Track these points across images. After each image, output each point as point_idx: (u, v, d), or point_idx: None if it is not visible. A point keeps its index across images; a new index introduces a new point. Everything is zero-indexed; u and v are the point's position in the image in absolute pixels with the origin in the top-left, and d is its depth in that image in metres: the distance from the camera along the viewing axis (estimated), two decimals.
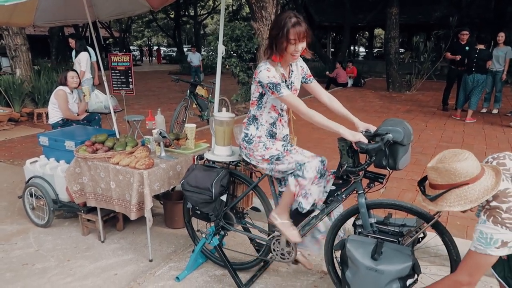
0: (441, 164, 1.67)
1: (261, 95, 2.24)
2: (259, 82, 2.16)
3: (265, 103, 2.26)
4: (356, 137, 2.01)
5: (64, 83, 4.62)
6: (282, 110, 2.30)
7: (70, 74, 4.66)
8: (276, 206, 2.41)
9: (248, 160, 2.38)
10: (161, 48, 40.25)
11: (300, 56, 2.21)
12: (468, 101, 7.64)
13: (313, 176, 2.13)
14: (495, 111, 8.30)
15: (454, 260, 2.01)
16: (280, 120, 2.32)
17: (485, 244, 1.57)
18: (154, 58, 35.34)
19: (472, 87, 7.49)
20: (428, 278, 2.53)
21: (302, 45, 2.10)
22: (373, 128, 2.14)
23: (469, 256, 1.64)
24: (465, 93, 7.66)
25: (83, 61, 6.84)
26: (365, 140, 2.00)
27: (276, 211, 2.36)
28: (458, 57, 8.13)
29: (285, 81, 2.23)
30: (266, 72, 2.12)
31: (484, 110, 8.35)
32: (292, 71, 2.29)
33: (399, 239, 2.03)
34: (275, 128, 2.31)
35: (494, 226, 1.54)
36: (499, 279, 1.84)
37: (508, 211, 1.54)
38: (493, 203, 1.59)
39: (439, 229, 2.02)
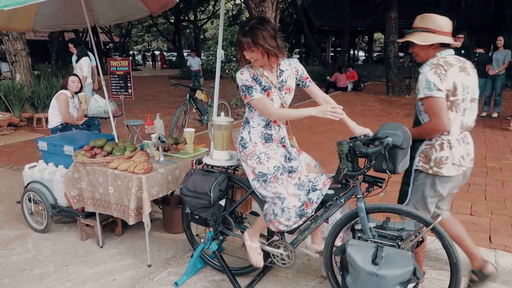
0: (428, 14, 2.28)
1: None
2: (238, 85, 2.23)
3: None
4: (326, 112, 2.04)
5: (66, 87, 4.67)
6: None
7: (72, 78, 4.71)
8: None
9: (242, 166, 2.38)
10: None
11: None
12: None
13: (286, 218, 2.19)
14: (495, 114, 8.30)
15: (454, 263, 2.00)
16: (275, 121, 2.29)
17: (430, 89, 2.09)
18: (158, 63, 35.10)
19: None
20: (429, 283, 2.52)
21: (249, 55, 2.13)
22: (370, 133, 2.14)
23: (427, 103, 2.13)
24: None
25: (84, 66, 6.87)
26: (337, 111, 2.05)
27: (248, 232, 2.47)
28: None
29: (271, 82, 2.21)
30: (240, 75, 2.19)
31: (484, 114, 8.34)
32: (281, 70, 2.26)
33: (399, 243, 2.02)
34: (270, 129, 2.29)
35: (434, 75, 2.09)
36: None
37: (445, 64, 2.13)
38: (440, 61, 2.15)
39: (439, 233, 2.00)
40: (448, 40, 2.19)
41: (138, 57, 39.89)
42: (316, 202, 2.21)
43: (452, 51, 2.24)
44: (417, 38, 2.19)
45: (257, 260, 2.43)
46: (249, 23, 2.10)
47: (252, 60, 2.15)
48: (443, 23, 2.21)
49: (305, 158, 2.40)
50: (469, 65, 2.26)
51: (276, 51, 2.12)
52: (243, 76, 2.17)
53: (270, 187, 2.21)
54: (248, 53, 2.12)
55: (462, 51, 8.03)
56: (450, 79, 2.10)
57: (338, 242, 2.33)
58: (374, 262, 1.87)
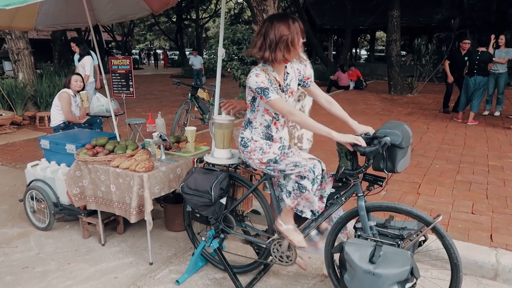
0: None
1: (254, 99, 2.25)
2: (249, 87, 2.17)
3: (258, 106, 2.26)
4: (347, 139, 2.02)
5: (68, 86, 4.69)
6: (276, 113, 2.27)
7: (74, 77, 4.74)
8: (277, 211, 2.43)
9: (250, 165, 2.39)
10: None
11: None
12: (469, 103, 7.62)
13: (311, 187, 2.15)
14: (497, 113, 8.27)
15: (455, 263, 2.00)
16: (275, 124, 2.29)
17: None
18: (160, 62, 34.53)
19: (473, 89, 7.47)
20: (429, 282, 2.52)
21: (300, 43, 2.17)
22: (372, 131, 2.14)
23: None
24: (467, 95, 7.64)
25: (87, 65, 6.89)
26: (361, 142, 2.00)
27: (280, 217, 2.37)
28: (451, 79, 8.28)
29: (279, 85, 2.22)
30: (255, 77, 2.12)
31: (486, 113, 8.32)
32: (287, 73, 2.28)
33: (399, 242, 2.02)
34: (271, 131, 2.30)
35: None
36: None
37: (303, 60, 2.50)
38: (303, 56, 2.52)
39: (439, 232, 2.00)
40: None
41: (143, 55, 39.89)
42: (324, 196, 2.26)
43: None
44: None
45: (299, 240, 2.29)
46: (286, 13, 2.15)
47: (298, 50, 2.16)
48: None
49: (304, 154, 2.41)
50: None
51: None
52: (259, 79, 2.11)
53: (284, 162, 2.19)
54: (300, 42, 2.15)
55: (466, 58, 7.96)
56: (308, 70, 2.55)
57: (343, 238, 2.34)
58: (371, 260, 1.88)
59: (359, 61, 26.50)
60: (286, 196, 2.26)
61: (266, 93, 2.09)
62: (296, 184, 2.18)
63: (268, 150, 2.23)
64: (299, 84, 2.35)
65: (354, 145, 2.03)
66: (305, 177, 2.14)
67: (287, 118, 2.20)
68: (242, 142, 2.32)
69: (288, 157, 2.19)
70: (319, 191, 2.26)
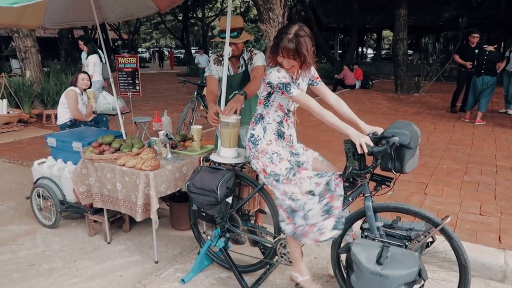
0: (238, 16, 2.92)
1: (269, 94, 2.24)
2: (269, 83, 2.15)
3: (272, 101, 2.25)
4: (360, 139, 1.99)
5: (75, 84, 4.72)
6: (289, 110, 2.29)
7: (81, 76, 4.77)
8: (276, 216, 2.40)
9: (251, 164, 2.36)
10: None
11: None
12: (477, 103, 7.56)
13: (305, 223, 2.15)
14: (510, 111, 8.19)
15: (463, 266, 1.97)
16: (286, 120, 2.30)
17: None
18: (166, 61, 33.76)
19: (481, 89, 7.40)
20: (437, 284, 2.50)
21: (291, 62, 2.09)
22: (380, 131, 2.12)
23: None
24: (474, 95, 7.58)
25: (90, 63, 6.91)
26: (371, 143, 1.98)
27: (295, 269, 2.39)
28: (469, 64, 8.02)
29: (294, 82, 2.22)
30: (276, 73, 2.12)
31: (502, 110, 8.26)
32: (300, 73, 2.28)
33: (407, 243, 2.00)
34: (283, 127, 2.29)
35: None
36: None
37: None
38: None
39: (448, 234, 1.98)
40: None
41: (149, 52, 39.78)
42: (341, 195, 2.12)
43: None
44: (248, 36, 2.89)
45: None
46: (294, 29, 2.05)
47: (288, 67, 2.12)
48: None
49: (313, 153, 2.41)
50: None
51: (312, 62, 2.13)
52: (281, 74, 2.11)
53: (282, 186, 2.20)
54: (287, 60, 2.09)
55: (476, 51, 7.91)
56: None
57: (349, 239, 2.32)
58: (378, 261, 1.86)
59: (365, 60, 26.36)
60: (282, 223, 2.25)
61: (288, 88, 2.10)
62: (285, 214, 2.23)
63: (277, 163, 2.22)
64: (308, 84, 2.34)
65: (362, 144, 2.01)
66: (295, 210, 2.18)
67: (311, 111, 2.16)
68: (252, 139, 2.30)
69: (290, 184, 2.18)
70: (324, 211, 2.15)
